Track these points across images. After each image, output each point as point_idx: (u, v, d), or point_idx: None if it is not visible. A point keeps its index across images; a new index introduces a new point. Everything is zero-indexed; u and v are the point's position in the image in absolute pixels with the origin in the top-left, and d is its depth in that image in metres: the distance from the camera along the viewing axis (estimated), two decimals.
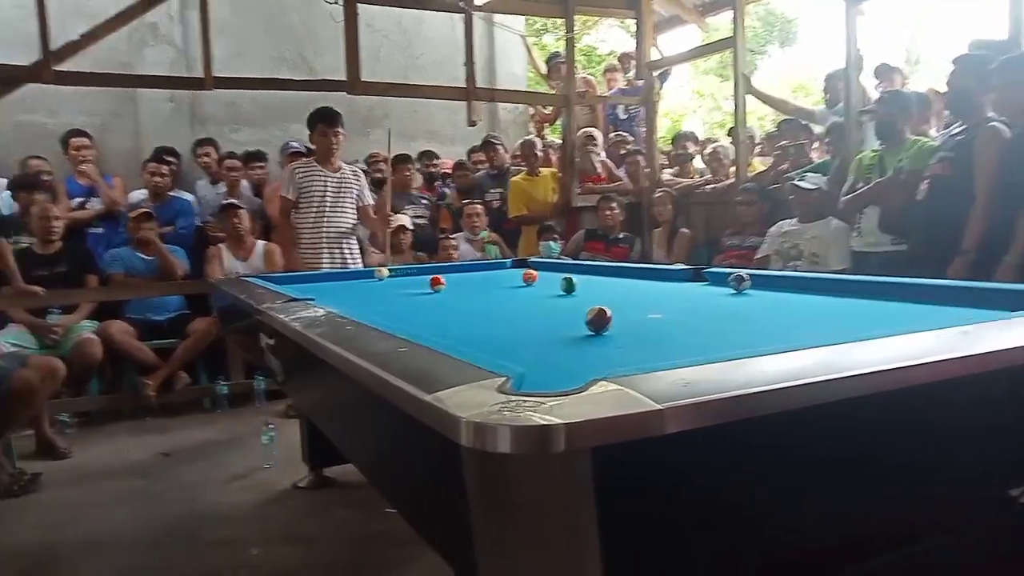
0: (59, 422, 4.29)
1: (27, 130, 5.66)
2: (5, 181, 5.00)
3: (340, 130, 4.45)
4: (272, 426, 3.68)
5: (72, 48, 4.49)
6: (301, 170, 4.43)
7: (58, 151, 5.39)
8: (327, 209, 4.41)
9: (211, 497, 3.23)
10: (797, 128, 5.03)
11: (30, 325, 4.34)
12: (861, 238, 3.81)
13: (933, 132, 4.18)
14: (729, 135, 5.81)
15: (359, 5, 5.13)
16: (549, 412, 0.88)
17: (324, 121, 4.41)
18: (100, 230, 5.20)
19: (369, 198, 4.69)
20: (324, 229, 4.40)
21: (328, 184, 4.41)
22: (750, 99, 5.31)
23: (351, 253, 4.50)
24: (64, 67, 4.50)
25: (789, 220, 4.29)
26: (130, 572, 2.58)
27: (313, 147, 4.64)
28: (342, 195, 4.46)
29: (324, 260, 4.36)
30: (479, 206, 5.58)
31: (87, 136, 5.42)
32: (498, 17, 6.81)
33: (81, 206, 5.20)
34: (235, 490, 3.31)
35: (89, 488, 3.38)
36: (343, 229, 4.48)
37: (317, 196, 4.39)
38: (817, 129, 5.04)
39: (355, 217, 4.54)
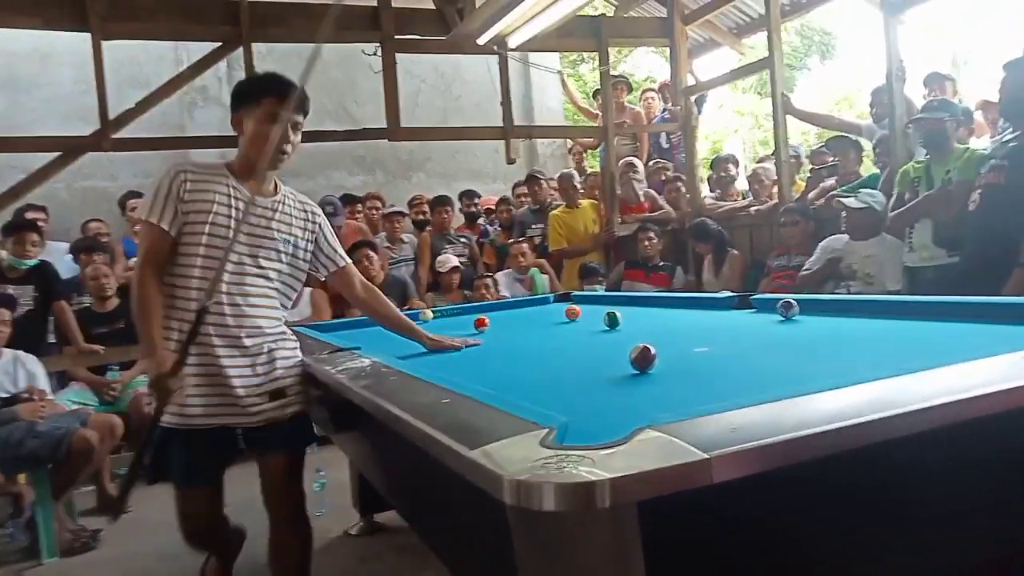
0: (118, 477, 4.38)
1: (88, 195, 5.95)
2: (67, 245, 5.22)
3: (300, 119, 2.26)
4: (323, 473, 3.69)
5: (128, 116, 4.67)
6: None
7: (117, 213, 5.63)
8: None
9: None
10: (847, 145, 4.72)
11: (90, 382, 4.46)
12: (914, 253, 3.67)
13: (986, 141, 4.04)
14: (767, 158, 5.67)
15: (396, 54, 5.23)
16: (593, 467, 0.86)
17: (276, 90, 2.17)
18: None
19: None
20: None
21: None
22: (792, 118, 5.23)
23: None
24: (121, 134, 4.68)
25: (840, 236, 4.14)
26: None
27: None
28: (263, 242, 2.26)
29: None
30: (524, 244, 5.49)
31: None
32: (533, 56, 6.88)
33: None
34: None
35: (149, 541, 3.40)
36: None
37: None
38: (866, 144, 4.87)
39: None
